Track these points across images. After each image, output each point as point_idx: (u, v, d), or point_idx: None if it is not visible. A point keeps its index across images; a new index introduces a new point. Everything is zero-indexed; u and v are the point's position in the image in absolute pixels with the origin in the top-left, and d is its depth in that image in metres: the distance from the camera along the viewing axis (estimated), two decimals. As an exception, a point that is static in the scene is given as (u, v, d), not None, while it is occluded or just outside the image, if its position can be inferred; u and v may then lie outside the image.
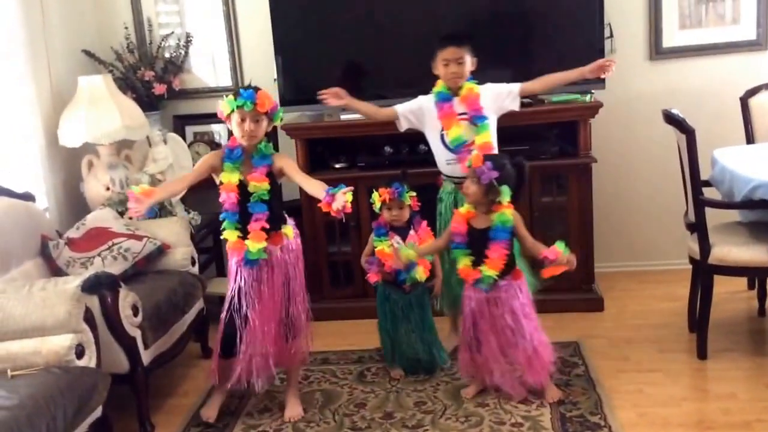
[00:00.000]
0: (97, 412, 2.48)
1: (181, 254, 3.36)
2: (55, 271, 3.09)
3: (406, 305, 3.07)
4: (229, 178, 2.70)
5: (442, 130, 3.09)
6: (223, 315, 2.81)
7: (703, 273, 3.11)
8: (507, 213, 2.76)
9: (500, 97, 3.10)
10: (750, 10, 3.85)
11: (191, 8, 4.17)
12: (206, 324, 3.51)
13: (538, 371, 2.80)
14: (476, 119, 3.05)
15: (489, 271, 2.75)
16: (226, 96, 2.67)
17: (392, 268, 3.02)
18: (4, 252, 2.92)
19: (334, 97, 3.10)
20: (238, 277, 2.75)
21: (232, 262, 2.77)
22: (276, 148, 4.01)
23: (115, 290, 2.75)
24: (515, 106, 3.12)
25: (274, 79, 3.87)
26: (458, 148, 3.05)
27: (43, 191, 3.50)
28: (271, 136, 3.98)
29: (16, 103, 3.42)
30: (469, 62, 3.05)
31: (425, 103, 3.14)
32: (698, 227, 3.06)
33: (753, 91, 3.60)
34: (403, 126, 3.18)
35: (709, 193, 3.16)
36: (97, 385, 2.47)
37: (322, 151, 3.80)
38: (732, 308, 3.53)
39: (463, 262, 2.82)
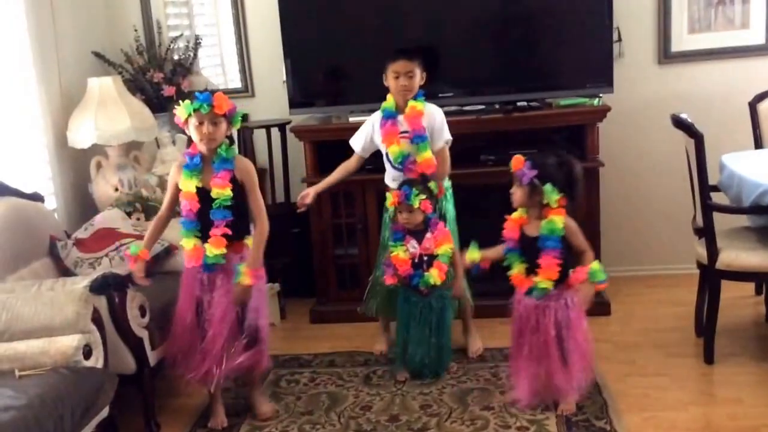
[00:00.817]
0: (104, 413, 2.49)
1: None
2: (63, 271, 3.11)
3: (425, 308, 3.05)
4: (186, 185, 2.67)
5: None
6: (174, 318, 2.80)
7: (711, 278, 3.10)
8: (556, 220, 2.68)
9: (432, 133, 3.13)
10: (759, 14, 3.83)
11: (200, 10, 4.20)
12: (213, 325, 3.52)
13: (567, 379, 2.73)
14: (416, 138, 3.09)
15: (543, 282, 2.69)
16: (182, 101, 2.66)
17: (406, 272, 3.02)
18: (13, 252, 2.94)
19: (306, 199, 3.21)
20: (192, 280, 2.73)
21: (186, 269, 2.77)
22: (285, 150, 4.05)
23: (123, 291, 2.76)
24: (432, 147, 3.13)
25: (283, 82, 3.89)
26: (403, 164, 3.12)
27: (52, 192, 3.52)
28: (281, 138, 4.03)
29: (25, 105, 3.45)
30: (419, 76, 3.10)
31: (374, 123, 3.21)
32: (706, 232, 3.05)
33: (762, 96, 3.58)
34: (367, 156, 3.27)
35: (717, 198, 3.16)
36: (104, 386, 2.48)
37: (330, 154, 3.80)
38: (739, 313, 3.52)
39: (517, 269, 2.78)
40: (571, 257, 2.74)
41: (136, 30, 4.13)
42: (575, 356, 2.72)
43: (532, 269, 2.73)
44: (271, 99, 4.13)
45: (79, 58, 3.85)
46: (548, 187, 2.66)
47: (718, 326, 3.08)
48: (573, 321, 2.72)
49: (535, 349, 2.73)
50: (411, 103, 3.11)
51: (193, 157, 2.68)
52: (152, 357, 2.87)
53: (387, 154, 3.17)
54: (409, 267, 3.03)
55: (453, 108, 3.76)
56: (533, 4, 3.73)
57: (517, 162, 2.71)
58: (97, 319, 2.61)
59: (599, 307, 3.65)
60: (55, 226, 3.28)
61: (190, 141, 2.73)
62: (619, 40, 3.83)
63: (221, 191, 2.65)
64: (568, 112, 3.60)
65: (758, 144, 3.58)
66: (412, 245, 3.04)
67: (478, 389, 2.99)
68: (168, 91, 4.00)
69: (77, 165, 3.69)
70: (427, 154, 3.07)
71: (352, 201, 3.71)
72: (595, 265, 2.69)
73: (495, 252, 2.83)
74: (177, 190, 2.75)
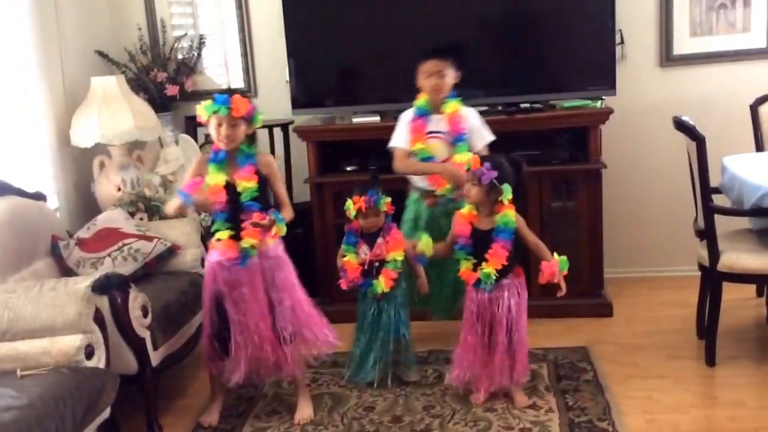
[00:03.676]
0: (106, 413, 2.49)
1: (191, 255, 3.37)
2: (66, 271, 3.11)
3: (377, 311, 3.04)
4: (215, 179, 2.72)
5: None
6: (205, 319, 2.81)
7: (712, 280, 3.10)
8: (509, 214, 2.79)
9: (473, 134, 3.17)
10: (760, 18, 3.85)
11: (205, 10, 4.20)
12: (215, 325, 3.52)
13: (512, 373, 2.82)
14: (456, 140, 3.13)
15: (487, 268, 2.77)
16: (204, 101, 2.70)
17: (355, 279, 3.03)
18: (15, 252, 2.94)
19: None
20: (219, 278, 2.75)
21: (212, 263, 2.77)
22: (288, 150, 4.05)
23: (126, 291, 2.76)
24: (472, 148, 3.15)
25: (287, 82, 3.90)
26: (425, 162, 3.14)
27: (54, 191, 3.52)
28: (284, 138, 4.03)
29: (28, 103, 3.45)
30: (451, 76, 3.13)
31: (407, 120, 3.22)
32: (707, 234, 3.06)
33: (763, 99, 3.59)
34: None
35: (718, 200, 3.16)
36: (106, 386, 2.47)
37: (334, 154, 3.81)
38: (741, 315, 3.52)
39: (465, 265, 2.84)
40: (518, 251, 2.82)
41: (140, 29, 4.13)
42: (521, 344, 2.81)
43: (479, 264, 2.81)
44: (273, 99, 4.12)
45: (83, 57, 3.85)
46: (507, 186, 2.76)
47: (719, 328, 3.09)
48: (520, 307, 2.82)
49: (480, 338, 2.81)
50: (450, 104, 3.15)
51: (218, 152, 2.73)
52: (154, 357, 2.86)
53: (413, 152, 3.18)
54: (358, 274, 3.03)
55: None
56: (537, 6, 3.74)
57: (476, 162, 2.78)
58: (99, 319, 2.61)
59: (601, 308, 3.67)
60: (58, 226, 3.27)
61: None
62: (622, 42, 3.84)
63: (247, 184, 2.70)
64: (571, 114, 3.61)
65: (759, 146, 3.59)
66: (363, 251, 3.03)
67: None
68: (171, 90, 4.00)
69: (80, 164, 3.69)
70: (464, 157, 3.03)
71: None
72: (562, 258, 2.76)
73: (445, 246, 2.93)
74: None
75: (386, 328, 3.04)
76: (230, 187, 2.72)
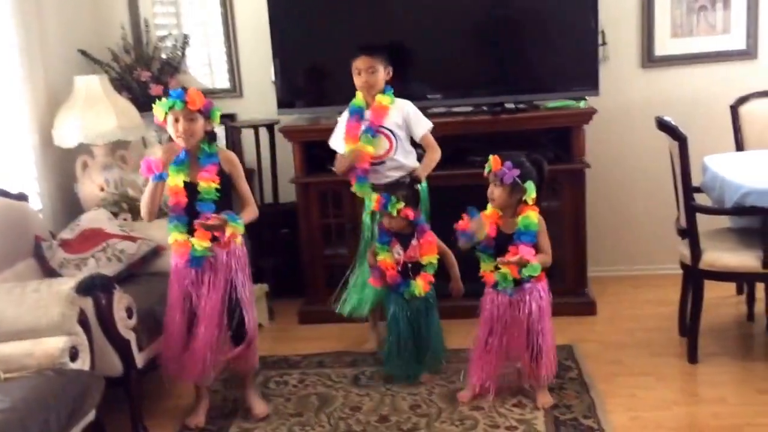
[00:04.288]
0: (91, 416, 2.45)
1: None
2: (49, 272, 3.08)
3: (411, 310, 3.04)
4: (174, 180, 2.70)
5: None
6: (167, 320, 2.81)
7: (694, 278, 3.14)
8: (531, 215, 2.75)
9: (410, 124, 3.18)
10: (740, 20, 3.90)
11: (189, 9, 4.18)
12: (200, 326, 3.50)
13: (538, 375, 2.81)
14: (367, 131, 3.13)
15: (504, 269, 2.73)
16: (158, 101, 2.68)
17: (393, 278, 3.03)
18: (-2, 252, 2.91)
19: None
20: (180, 278, 2.75)
21: (173, 264, 2.78)
22: (273, 150, 4.04)
23: (110, 292, 2.74)
24: (415, 138, 3.19)
25: (272, 81, 3.89)
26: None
27: (37, 192, 3.49)
28: (270, 138, 4.02)
29: (10, 103, 3.41)
30: (383, 72, 3.15)
31: (343, 119, 3.25)
32: (689, 233, 3.09)
33: (743, 100, 3.64)
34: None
35: (700, 199, 3.20)
36: (91, 389, 2.44)
37: (319, 154, 3.80)
38: (721, 313, 3.57)
39: (486, 266, 2.82)
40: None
41: (123, 28, 4.10)
42: (546, 347, 2.79)
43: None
44: (259, 99, 4.12)
45: (66, 57, 3.82)
46: (530, 185, 2.72)
47: (701, 326, 3.12)
48: (543, 311, 2.78)
49: (505, 344, 2.79)
50: (378, 97, 3.15)
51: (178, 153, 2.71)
52: (139, 359, 2.84)
53: None
54: (396, 274, 3.03)
55: (442, 110, 3.78)
56: (521, 7, 3.76)
57: (496, 162, 2.75)
58: (83, 321, 2.59)
59: (585, 306, 3.70)
60: (41, 227, 3.24)
61: (171, 139, 2.75)
62: (604, 44, 3.88)
63: (208, 185, 2.68)
64: (555, 114, 3.64)
65: (739, 146, 3.64)
66: (397, 251, 3.04)
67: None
68: (155, 90, 3.96)
69: (63, 164, 3.65)
70: (370, 149, 3.10)
71: (341, 201, 3.71)
72: (536, 264, 2.71)
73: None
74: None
75: (418, 328, 3.05)
76: (190, 187, 2.69)
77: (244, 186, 2.80)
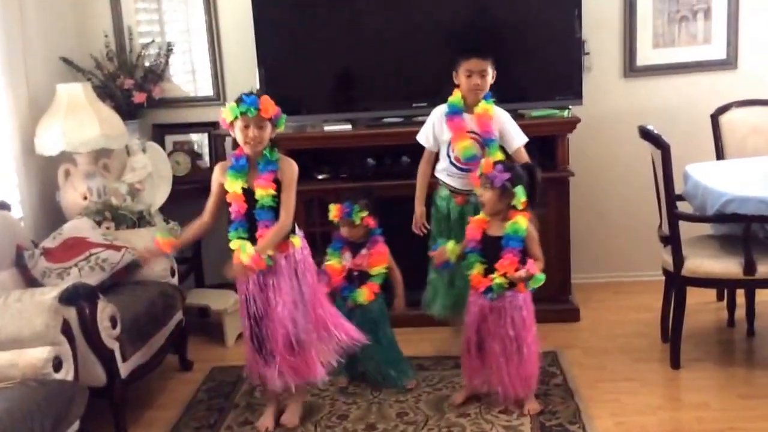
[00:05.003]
0: (75, 426, 2.44)
1: (161, 265, 3.33)
2: (31, 281, 3.04)
3: (359, 320, 3.00)
4: (232, 186, 2.67)
5: (451, 141, 3.13)
6: (243, 325, 2.80)
7: (677, 284, 3.18)
8: (521, 221, 2.76)
9: (505, 136, 3.15)
10: (721, 30, 3.96)
11: (172, 17, 4.16)
12: (185, 336, 3.48)
13: (523, 383, 2.83)
14: (486, 141, 3.10)
15: (499, 279, 2.75)
16: (229, 103, 2.65)
17: (338, 283, 3.03)
18: (-21, 262, 2.87)
19: None
20: (245, 286, 2.72)
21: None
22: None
23: (94, 302, 2.72)
24: (509, 149, 3.17)
25: (257, 90, 3.86)
26: (469, 161, 3.09)
27: (19, 200, 3.44)
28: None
29: (-8, 111, 3.38)
30: (491, 75, 3.11)
31: (436, 117, 3.19)
32: (672, 240, 3.13)
33: (723, 109, 3.70)
34: (436, 151, 3.23)
35: (682, 207, 3.24)
36: (75, 399, 2.43)
37: (305, 162, 3.79)
38: (703, 319, 3.61)
39: (476, 269, 2.83)
40: (525, 260, 2.80)
41: (106, 36, 4.07)
42: (530, 356, 2.80)
43: (491, 270, 2.79)
44: (242, 107, 4.11)
45: (48, 64, 3.78)
46: (520, 189, 2.74)
47: (683, 332, 3.16)
48: (526, 321, 2.80)
49: (498, 347, 2.79)
50: (482, 104, 3.12)
51: (239, 158, 2.68)
52: (123, 369, 2.83)
53: (448, 149, 3.15)
54: (341, 278, 3.04)
55: (426, 118, 3.80)
56: (505, 18, 3.78)
57: (488, 165, 2.77)
58: (66, 331, 2.57)
59: (569, 313, 3.73)
60: (22, 236, 3.20)
61: (235, 143, 2.71)
62: (587, 53, 3.92)
63: (265, 192, 2.64)
64: (539, 123, 3.66)
65: (720, 155, 3.70)
66: (346, 257, 3.05)
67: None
68: (138, 97, 3.96)
69: (45, 173, 3.61)
70: (497, 156, 3.04)
71: (326, 209, 3.69)
72: (541, 275, 2.74)
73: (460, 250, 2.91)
74: (221, 192, 2.72)
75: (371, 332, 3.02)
76: (249, 194, 2.66)
77: (288, 194, 2.67)
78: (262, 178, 2.65)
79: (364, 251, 3.06)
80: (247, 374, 2.88)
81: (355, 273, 3.06)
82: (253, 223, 2.67)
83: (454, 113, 3.14)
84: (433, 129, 3.20)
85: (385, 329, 3.12)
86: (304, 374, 2.76)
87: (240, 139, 2.65)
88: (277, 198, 2.65)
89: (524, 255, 2.78)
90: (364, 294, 3.03)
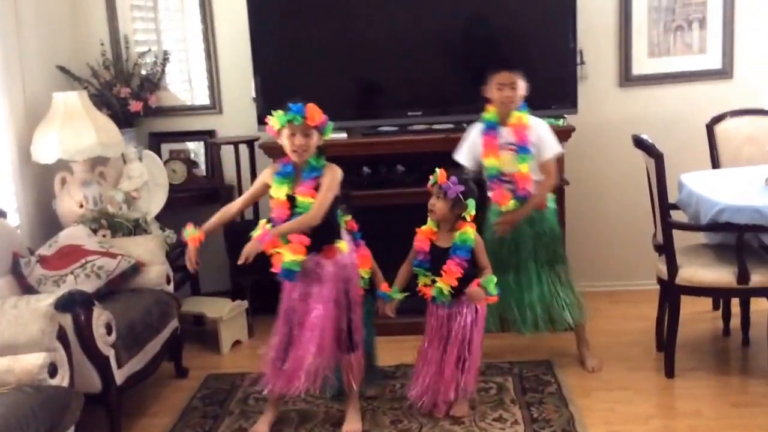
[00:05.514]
0: (70, 432, 2.45)
1: (156, 273, 3.34)
2: (27, 289, 3.05)
3: None
4: (277, 193, 2.69)
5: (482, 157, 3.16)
6: (277, 325, 2.79)
7: (671, 293, 3.18)
8: (469, 232, 2.84)
9: (540, 145, 3.15)
10: (716, 40, 3.99)
11: (169, 26, 4.19)
12: (180, 343, 3.49)
13: (461, 385, 2.85)
14: (521, 150, 3.12)
15: (441, 284, 2.81)
16: (276, 111, 2.67)
17: None
18: (-25, 269, 2.88)
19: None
20: (287, 291, 2.74)
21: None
22: (253, 166, 4.04)
23: (89, 308, 2.73)
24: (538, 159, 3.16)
25: (253, 98, 3.90)
26: (492, 178, 3.13)
27: (15, 208, 3.45)
28: (249, 154, 4.02)
29: (-11, 119, 3.39)
30: (522, 88, 3.14)
31: (474, 134, 3.21)
32: (666, 249, 3.14)
33: (718, 118, 3.72)
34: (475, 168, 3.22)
35: (676, 215, 3.26)
36: (70, 405, 2.44)
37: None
38: (698, 328, 3.62)
39: (422, 281, 2.89)
40: (474, 271, 2.86)
41: (102, 44, 4.09)
42: (472, 362, 2.85)
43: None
44: (238, 116, 4.13)
45: (45, 72, 3.80)
46: (472, 202, 2.81)
47: (678, 341, 3.17)
48: (476, 328, 2.86)
49: (438, 352, 2.85)
50: (516, 114, 3.14)
51: (285, 165, 2.71)
52: (119, 375, 2.83)
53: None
54: None
55: (422, 127, 3.82)
56: (501, 27, 3.81)
57: (442, 175, 2.82)
58: (62, 337, 2.57)
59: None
60: (18, 243, 3.20)
61: (282, 151, 2.73)
62: (583, 63, 3.94)
63: (304, 199, 2.65)
64: (534, 132, 3.67)
65: (715, 164, 3.71)
66: None
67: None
68: (135, 106, 3.97)
69: (41, 180, 3.63)
70: (525, 168, 3.08)
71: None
72: (491, 277, 2.82)
73: (405, 272, 2.95)
74: (261, 190, 2.76)
75: None
76: (292, 201, 2.68)
77: (324, 193, 2.66)
78: (304, 185, 2.68)
79: None
80: (263, 381, 2.84)
81: None
82: None
83: (488, 128, 3.16)
84: (473, 147, 3.20)
85: (370, 334, 3.10)
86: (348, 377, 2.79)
87: (287, 147, 2.67)
88: None
89: (473, 266, 2.84)
90: None
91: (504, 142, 3.14)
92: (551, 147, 3.17)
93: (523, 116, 3.14)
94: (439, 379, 2.88)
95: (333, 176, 2.69)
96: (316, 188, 2.66)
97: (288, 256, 2.66)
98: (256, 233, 2.66)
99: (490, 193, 3.16)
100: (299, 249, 2.67)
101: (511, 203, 3.14)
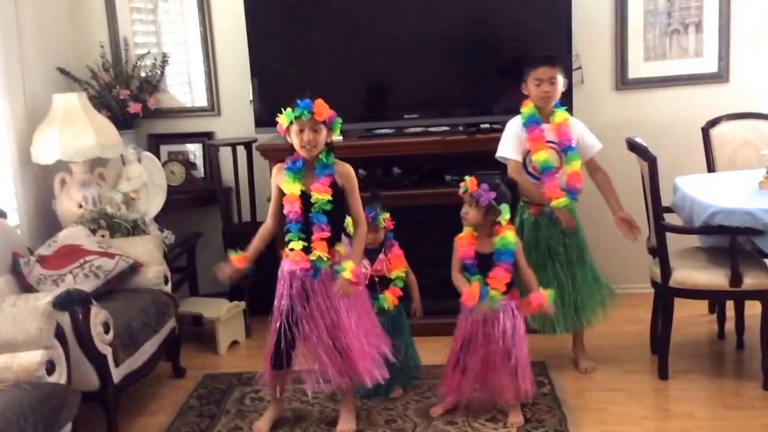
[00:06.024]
0: (67, 429, 2.47)
1: (154, 273, 3.36)
2: (26, 288, 3.07)
3: (384, 328, 3.00)
4: (290, 188, 2.69)
5: (528, 152, 3.13)
6: (274, 326, 2.78)
7: (665, 296, 3.20)
8: (509, 236, 2.81)
9: (582, 143, 3.18)
10: (712, 44, 4.01)
11: (168, 28, 4.22)
12: (178, 343, 3.51)
13: (512, 393, 2.84)
14: (566, 149, 3.12)
15: (492, 291, 2.77)
16: (284, 109, 2.68)
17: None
18: (-25, 268, 2.91)
19: None
20: (290, 289, 2.72)
21: (284, 273, 2.75)
22: (251, 168, 4.07)
23: (87, 307, 2.75)
24: (584, 157, 3.20)
25: (250, 101, 3.93)
26: (545, 172, 3.11)
27: (15, 208, 3.48)
28: (247, 156, 4.05)
29: (-11, 120, 3.42)
30: (561, 83, 3.12)
31: (517, 128, 3.17)
32: (660, 252, 3.16)
33: (714, 122, 3.74)
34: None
35: (670, 218, 3.27)
36: (68, 402, 2.46)
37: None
38: (694, 331, 3.63)
39: (474, 284, 2.83)
40: (516, 273, 2.85)
41: (102, 46, 4.12)
42: (522, 366, 2.82)
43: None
44: (236, 118, 4.16)
45: (45, 74, 3.83)
46: (505, 207, 2.79)
47: (672, 343, 3.18)
48: (518, 331, 2.83)
49: (480, 362, 2.82)
50: (559, 113, 3.13)
51: (295, 161, 2.71)
52: (116, 374, 2.85)
53: (525, 159, 3.15)
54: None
55: (418, 129, 3.84)
56: (497, 30, 3.84)
57: (473, 183, 2.80)
58: (60, 335, 2.59)
59: (559, 324, 3.74)
60: (18, 243, 3.23)
61: (292, 148, 2.74)
62: (579, 67, 3.96)
63: (320, 195, 2.66)
64: (529, 135, 3.69)
65: (710, 167, 3.73)
66: (363, 265, 3.03)
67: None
68: (134, 108, 4.00)
69: (41, 181, 3.66)
70: (577, 165, 3.08)
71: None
72: (550, 292, 2.82)
73: (464, 281, 2.87)
74: (281, 194, 2.75)
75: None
76: (305, 197, 2.69)
77: (353, 202, 2.72)
78: (319, 182, 2.68)
79: (381, 256, 3.07)
80: (260, 378, 2.87)
81: (376, 279, 3.06)
82: (307, 226, 2.69)
83: (532, 123, 3.12)
84: (520, 141, 3.15)
85: (405, 336, 3.12)
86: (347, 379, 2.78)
87: (296, 144, 2.67)
88: (332, 202, 2.67)
89: (514, 266, 2.83)
90: (389, 299, 3.04)
91: (546, 139, 3.12)
92: (594, 144, 3.20)
93: (566, 116, 3.14)
94: (483, 386, 2.86)
95: (353, 179, 2.73)
96: (331, 185, 2.68)
97: (316, 252, 2.66)
98: (346, 275, 2.63)
99: (539, 191, 3.13)
100: (324, 245, 2.68)
101: (563, 199, 3.12)
